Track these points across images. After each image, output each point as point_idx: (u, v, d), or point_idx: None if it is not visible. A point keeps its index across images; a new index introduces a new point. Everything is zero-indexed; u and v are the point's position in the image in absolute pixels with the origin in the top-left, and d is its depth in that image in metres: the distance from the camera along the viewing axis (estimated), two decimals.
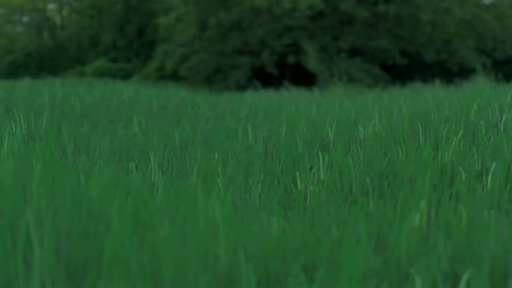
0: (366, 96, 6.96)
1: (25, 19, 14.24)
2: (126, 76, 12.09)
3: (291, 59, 11.84)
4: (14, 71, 13.05)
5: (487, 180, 1.87)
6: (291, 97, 7.40)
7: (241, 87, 11.96)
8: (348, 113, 3.68)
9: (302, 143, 2.64)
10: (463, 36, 10.47)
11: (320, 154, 2.17)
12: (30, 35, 13.72)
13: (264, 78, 12.32)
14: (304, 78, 12.28)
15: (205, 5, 11.93)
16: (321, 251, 1.07)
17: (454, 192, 1.60)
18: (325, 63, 11.69)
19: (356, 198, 1.73)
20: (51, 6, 14.16)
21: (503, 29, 10.36)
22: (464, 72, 10.51)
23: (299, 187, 2.14)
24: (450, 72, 10.76)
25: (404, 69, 11.38)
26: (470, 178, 1.84)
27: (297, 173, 2.15)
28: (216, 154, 2.44)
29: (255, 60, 12.03)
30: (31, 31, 13.84)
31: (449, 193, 1.54)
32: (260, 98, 6.59)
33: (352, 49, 11.68)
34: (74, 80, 6.83)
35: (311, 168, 2.27)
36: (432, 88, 9.14)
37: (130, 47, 12.92)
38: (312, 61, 11.62)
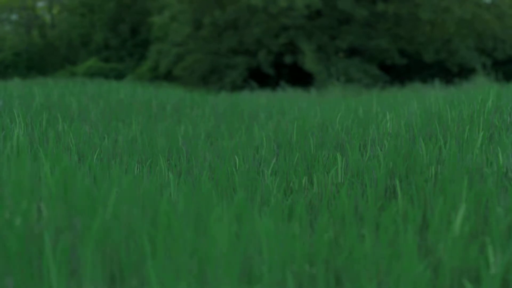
0: (370, 96, 6.91)
1: (14, 17, 14.05)
2: (118, 76, 11.96)
3: (288, 59, 11.79)
4: (2, 71, 12.86)
5: None
6: (291, 97, 7.33)
7: (237, 88, 11.89)
8: (356, 112, 3.62)
9: (315, 143, 2.56)
10: (463, 36, 10.49)
11: (338, 155, 2.10)
12: (19, 34, 13.54)
13: (261, 78, 12.25)
14: (301, 79, 12.24)
15: (200, 3, 11.84)
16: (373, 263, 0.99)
17: (488, 194, 1.53)
18: (323, 63, 11.65)
19: (383, 201, 1.66)
20: (40, 4, 13.98)
21: (503, 29, 10.39)
22: (464, 72, 10.52)
23: (315, 189, 2.07)
24: (450, 72, 10.77)
25: (403, 69, 11.38)
26: (498, 179, 1.78)
27: (314, 175, 2.08)
28: (225, 156, 2.36)
29: (251, 60, 11.96)
30: (20, 30, 13.65)
31: (485, 195, 1.47)
32: (259, 98, 6.52)
33: (350, 48, 11.65)
34: (66, 80, 6.72)
35: (325, 169, 2.19)
36: (432, 88, 9.13)
37: (123, 47, 12.79)
38: (309, 61, 11.58)
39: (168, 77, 12.13)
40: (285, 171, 2.24)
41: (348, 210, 1.47)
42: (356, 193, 1.68)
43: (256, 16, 11.60)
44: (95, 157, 2.26)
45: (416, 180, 1.76)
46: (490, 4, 10.52)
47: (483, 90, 4.55)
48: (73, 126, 2.86)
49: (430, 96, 4.85)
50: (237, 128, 3.09)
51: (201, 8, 11.81)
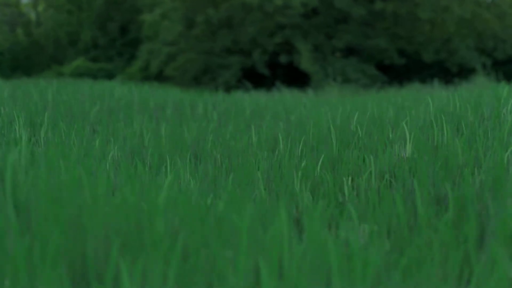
0: (372, 95, 6.86)
1: None
2: (107, 76, 11.76)
3: (283, 58, 11.73)
4: None
5: None
6: (292, 97, 7.25)
7: (231, 88, 11.77)
8: (369, 111, 3.53)
9: (337, 143, 2.47)
10: (463, 36, 10.52)
11: (370, 157, 2.00)
12: (3, 32, 13.26)
13: (255, 79, 12.16)
14: (297, 79, 12.18)
15: (193, 1, 11.72)
16: None
17: None
18: (319, 63, 11.60)
19: (431, 210, 1.56)
20: (25, 1, 13.72)
21: (503, 28, 10.45)
22: (464, 72, 10.55)
23: (347, 196, 1.97)
24: (450, 72, 10.79)
25: (402, 69, 11.38)
26: None
27: (344, 179, 1.98)
28: (240, 159, 2.25)
29: (246, 59, 11.87)
30: (4, 28, 13.38)
31: None
32: (258, 98, 6.43)
33: (347, 48, 11.62)
34: (57, 80, 6.55)
35: (357, 171, 2.09)
36: (435, 88, 9.12)
37: (112, 46, 12.60)
38: (306, 61, 11.53)
39: (159, 77, 11.97)
40: (307, 176, 2.14)
41: (403, 218, 1.37)
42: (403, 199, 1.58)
43: (251, 14, 11.51)
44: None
45: (463, 184, 1.67)
46: (490, 3, 10.57)
47: (496, 89, 4.50)
48: (75, 129, 2.73)
49: (441, 96, 4.80)
50: (257, 126, 2.98)
51: (193, 6, 11.69)
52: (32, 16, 13.84)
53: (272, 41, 11.68)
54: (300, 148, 2.49)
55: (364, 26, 11.30)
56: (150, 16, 11.83)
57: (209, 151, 2.52)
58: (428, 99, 3.61)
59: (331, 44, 11.60)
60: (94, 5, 12.57)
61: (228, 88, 11.98)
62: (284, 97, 7.34)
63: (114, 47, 12.59)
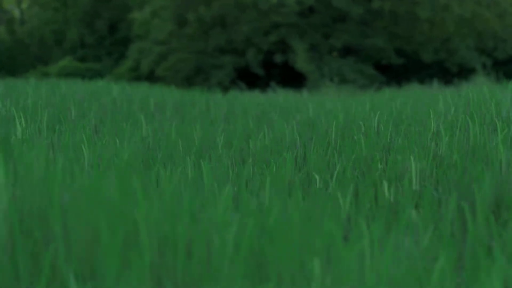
0: (379, 94, 6.77)
1: None
2: (96, 77, 11.54)
3: (278, 58, 11.63)
4: None
5: None
6: (292, 97, 7.15)
7: (224, 89, 11.63)
8: (388, 110, 3.42)
9: (366, 144, 2.34)
10: (463, 35, 10.52)
11: (412, 158, 1.88)
12: None
13: (249, 79, 12.04)
14: (292, 79, 12.08)
15: None
16: None
17: None
18: (315, 63, 11.52)
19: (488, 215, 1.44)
20: None
21: (504, 28, 10.47)
22: (464, 73, 10.54)
23: (387, 198, 1.84)
24: (449, 72, 10.78)
25: (400, 69, 11.35)
26: None
27: (384, 182, 1.85)
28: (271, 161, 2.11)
29: (239, 59, 11.75)
30: None
31: None
32: (258, 98, 6.32)
33: (344, 47, 11.56)
34: (46, 81, 6.36)
35: (395, 176, 1.97)
36: (430, 89, 9.09)
37: (101, 45, 12.38)
38: (301, 61, 11.44)
39: (150, 78, 11.78)
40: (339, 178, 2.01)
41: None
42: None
43: (245, 12, 11.39)
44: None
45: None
46: (490, 2, 10.60)
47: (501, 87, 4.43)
48: (78, 131, 2.57)
49: (449, 95, 4.72)
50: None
51: (185, 4, 11.54)
52: (16, 13, 13.55)
53: (267, 40, 11.57)
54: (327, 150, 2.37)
55: (361, 25, 11.25)
56: (140, 14, 11.65)
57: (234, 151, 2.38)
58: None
59: (327, 44, 11.54)
60: (81, 2, 12.34)
61: (221, 89, 11.84)
62: (283, 97, 7.23)
63: (103, 46, 12.38)
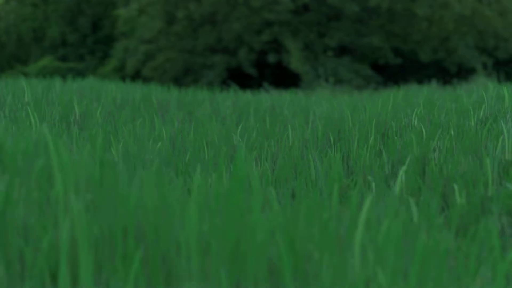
0: (380, 94, 6.63)
1: None
2: (78, 77, 11.19)
3: (271, 57, 11.47)
4: None
5: None
6: (292, 97, 6.97)
7: (215, 90, 11.41)
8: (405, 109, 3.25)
9: (416, 143, 2.15)
10: (462, 34, 10.50)
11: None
12: None
13: (241, 79, 11.84)
14: (286, 79, 11.93)
15: None
16: None
17: None
18: (310, 63, 11.39)
19: None
20: None
21: (505, 26, 10.49)
22: (463, 73, 10.53)
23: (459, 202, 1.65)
24: (448, 72, 10.75)
25: (398, 69, 11.28)
26: None
27: (455, 186, 1.66)
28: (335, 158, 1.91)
29: (231, 58, 11.54)
30: None
31: None
32: (258, 98, 6.12)
33: (340, 47, 11.45)
34: (35, 80, 6.06)
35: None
36: (429, 89, 9.03)
37: (83, 43, 12.03)
38: (295, 60, 11.29)
39: (136, 78, 11.48)
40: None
41: None
42: None
43: (236, 10, 11.20)
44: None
45: None
46: None
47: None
48: (88, 134, 2.32)
49: (454, 94, 4.60)
50: (298, 128, 2.64)
51: (174, 0, 11.29)
52: None
53: (259, 39, 11.40)
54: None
55: (357, 24, 11.15)
56: (126, 11, 11.36)
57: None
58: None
59: (322, 43, 11.41)
60: None
61: (211, 90, 11.61)
62: (283, 97, 7.07)
63: (85, 44, 12.03)
